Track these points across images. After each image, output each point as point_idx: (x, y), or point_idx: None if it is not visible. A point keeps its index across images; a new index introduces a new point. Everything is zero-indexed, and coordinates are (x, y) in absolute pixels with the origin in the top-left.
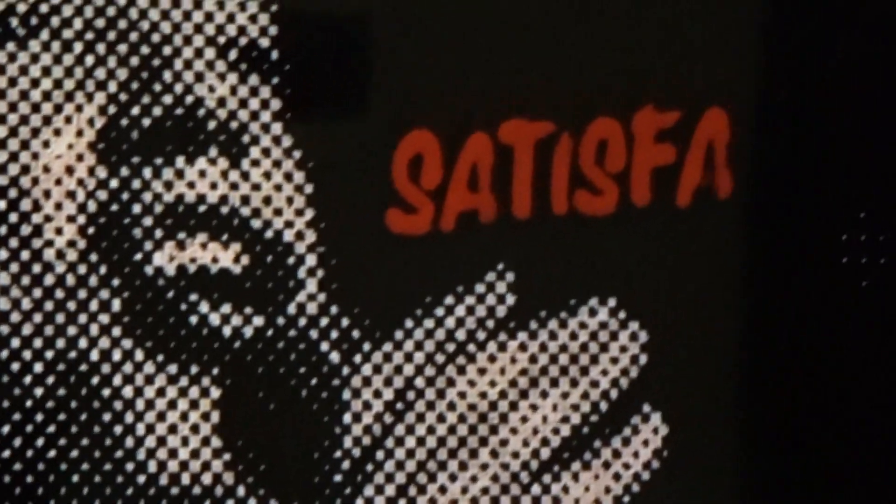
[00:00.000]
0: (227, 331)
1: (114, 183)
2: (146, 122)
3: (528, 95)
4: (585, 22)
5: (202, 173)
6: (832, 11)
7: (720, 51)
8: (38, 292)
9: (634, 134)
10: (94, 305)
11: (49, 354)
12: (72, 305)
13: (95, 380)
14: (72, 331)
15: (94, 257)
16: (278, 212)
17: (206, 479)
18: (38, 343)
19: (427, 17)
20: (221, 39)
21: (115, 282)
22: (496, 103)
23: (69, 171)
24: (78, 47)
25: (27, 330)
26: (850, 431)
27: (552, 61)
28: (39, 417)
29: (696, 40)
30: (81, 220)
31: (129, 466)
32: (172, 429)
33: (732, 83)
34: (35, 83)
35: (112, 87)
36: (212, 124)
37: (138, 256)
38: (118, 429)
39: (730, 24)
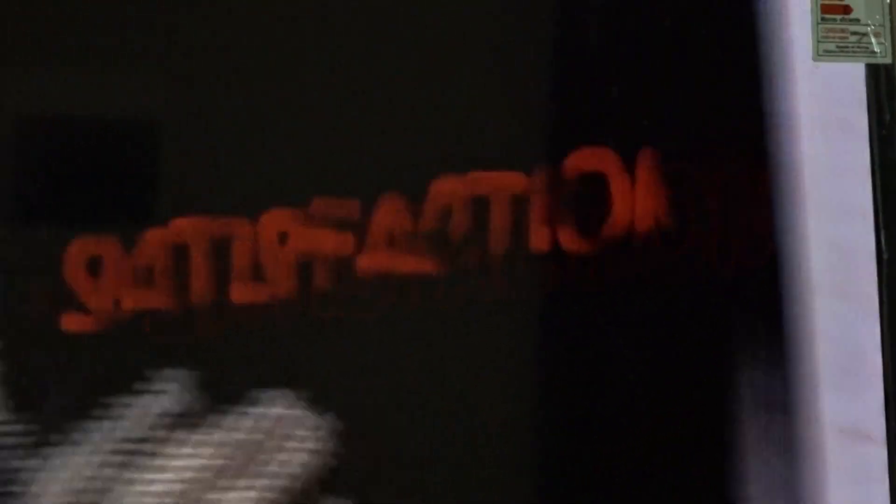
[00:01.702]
0: None
1: None
2: None
3: (199, 192)
4: (257, 114)
5: None
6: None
7: (396, 139)
8: None
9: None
10: None
11: None
12: None
13: None
14: None
15: None
16: None
17: None
18: None
19: (98, 121)
20: None
21: None
22: (168, 200)
23: None
24: None
25: None
26: None
27: (223, 154)
28: None
29: (370, 129)
30: None
31: None
32: None
33: (407, 170)
34: None
35: None
36: None
37: None
38: None
39: (401, 113)
